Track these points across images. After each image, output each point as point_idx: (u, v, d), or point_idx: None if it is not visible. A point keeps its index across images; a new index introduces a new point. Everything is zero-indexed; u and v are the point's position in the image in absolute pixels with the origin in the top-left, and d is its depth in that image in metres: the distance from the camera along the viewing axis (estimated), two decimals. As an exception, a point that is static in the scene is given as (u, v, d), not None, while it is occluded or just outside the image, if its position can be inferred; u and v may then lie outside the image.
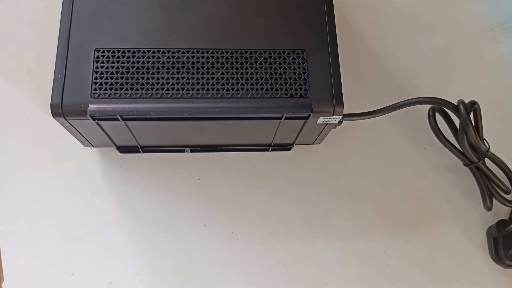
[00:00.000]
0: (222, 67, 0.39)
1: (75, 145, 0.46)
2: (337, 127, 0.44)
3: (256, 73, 0.40)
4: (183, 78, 0.39)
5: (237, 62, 0.40)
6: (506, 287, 0.48)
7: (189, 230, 0.47)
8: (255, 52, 0.40)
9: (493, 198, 0.48)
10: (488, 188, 0.48)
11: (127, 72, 0.38)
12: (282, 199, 0.48)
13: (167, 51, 0.39)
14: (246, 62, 0.40)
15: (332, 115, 0.40)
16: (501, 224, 0.48)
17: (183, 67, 0.39)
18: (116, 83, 0.38)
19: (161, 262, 0.46)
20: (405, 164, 0.51)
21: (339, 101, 0.40)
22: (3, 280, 0.44)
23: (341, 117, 0.41)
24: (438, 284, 0.47)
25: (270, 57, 0.40)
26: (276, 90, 0.39)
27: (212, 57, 0.39)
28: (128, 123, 0.40)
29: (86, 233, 0.46)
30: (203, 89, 0.39)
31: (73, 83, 0.38)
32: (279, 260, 0.47)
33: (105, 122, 0.39)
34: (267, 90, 0.39)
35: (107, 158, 0.48)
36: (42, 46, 0.50)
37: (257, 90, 0.39)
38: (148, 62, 0.39)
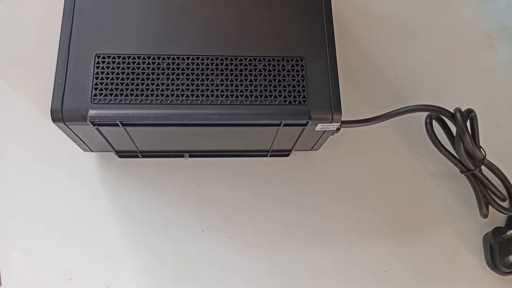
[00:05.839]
0: (222, 74, 0.40)
1: (74, 150, 0.47)
2: (335, 133, 0.44)
3: (255, 80, 0.40)
4: (182, 84, 0.39)
5: (236, 69, 0.40)
6: (501, 294, 0.48)
7: (188, 235, 0.47)
8: (254, 59, 0.40)
9: (489, 205, 0.49)
10: (484, 195, 0.48)
11: (127, 78, 0.39)
12: (280, 205, 0.49)
13: (167, 57, 0.39)
14: (245, 69, 0.40)
15: (330, 122, 0.40)
16: (497, 231, 0.48)
17: (182, 74, 0.39)
18: (116, 89, 0.38)
19: (159, 266, 0.46)
20: (402, 171, 0.51)
21: (337, 109, 0.40)
22: (1, 284, 0.44)
23: (339, 124, 0.41)
24: (434, 291, 0.48)
25: (269, 64, 0.40)
26: (275, 97, 0.40)
27: (212, 63, 0.40)
28: (128, 128, 0.40)
29: (84, 238, 0.46)
30: (202, 95, 0.39)
31: (74, 88, 0.38)
32: (276, 265, 0.47)
33: (104, 127, 0.39)
34: (266, 97, 0.39)
35: (106, 163, 0.48)
36: (42, 50, 0.50)
37: (256, 97, 0.39)
38: (148, 68, 0.39)
